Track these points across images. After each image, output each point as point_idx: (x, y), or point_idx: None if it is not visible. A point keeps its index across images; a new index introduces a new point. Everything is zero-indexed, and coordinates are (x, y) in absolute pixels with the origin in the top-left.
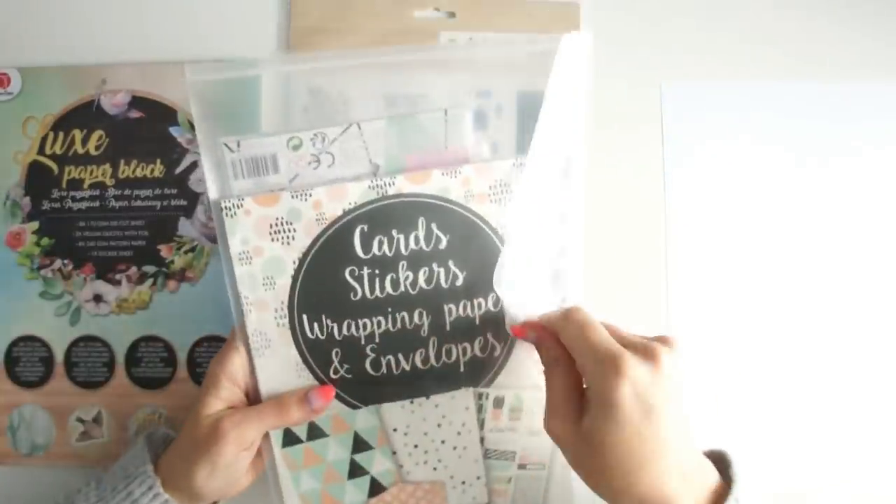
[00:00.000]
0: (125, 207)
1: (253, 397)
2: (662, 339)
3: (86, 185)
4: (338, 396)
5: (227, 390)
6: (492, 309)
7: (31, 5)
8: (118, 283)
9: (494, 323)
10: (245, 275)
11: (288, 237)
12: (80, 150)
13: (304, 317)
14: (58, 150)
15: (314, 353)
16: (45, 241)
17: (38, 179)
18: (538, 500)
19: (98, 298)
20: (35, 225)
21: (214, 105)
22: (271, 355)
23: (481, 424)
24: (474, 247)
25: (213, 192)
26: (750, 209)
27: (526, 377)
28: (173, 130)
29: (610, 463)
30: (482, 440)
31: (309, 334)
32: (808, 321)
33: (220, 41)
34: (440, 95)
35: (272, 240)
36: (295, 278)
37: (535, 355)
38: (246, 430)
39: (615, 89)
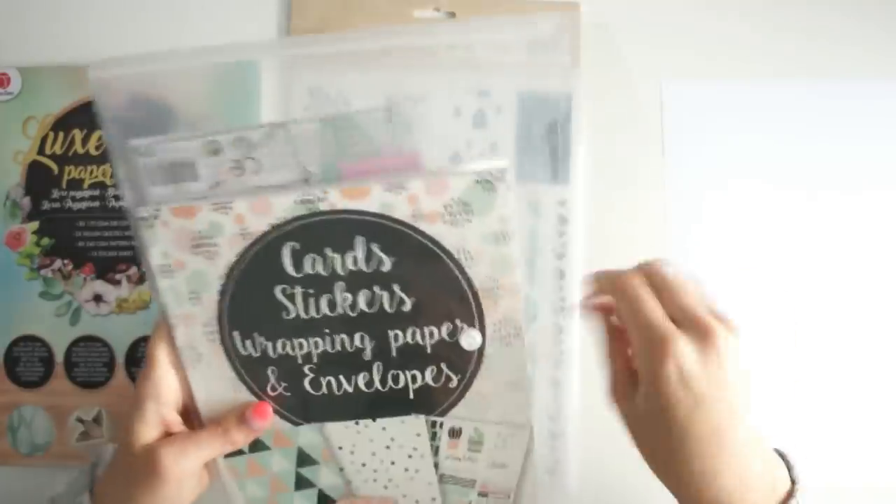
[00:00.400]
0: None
1: (192, 409)
2: (721, 319)
3: (86, 185)
4: (278, 413)
5: (155, 413)
6: (446, 339)
7: (31, 5)
8: (118, 283)
9: (450, 353)
10: (169, 288)
11: (210, 252)
12: (80, 150)
13: (236, 334)
14: (58, 150)
15: (249, 370)
16: (45, 241)
17: (38, 179)
18: None
19: (98, 298)
20: (35, 225)
21: (123, 103)
22: (205, 369)
23: (435, 451)
24: (424, 271)
25: (128, 200)
26: (750, 208)
27: (489, 412)
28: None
29: (660, 450)
30: (437, 465)
31: (242, 351)
32: (808, 319)
33: (220, 41)
34: (440, 95)
35: (194, 253)
36: (222, 294)
37: (501, 389)
38: (185, 462)
39: (615, 88)
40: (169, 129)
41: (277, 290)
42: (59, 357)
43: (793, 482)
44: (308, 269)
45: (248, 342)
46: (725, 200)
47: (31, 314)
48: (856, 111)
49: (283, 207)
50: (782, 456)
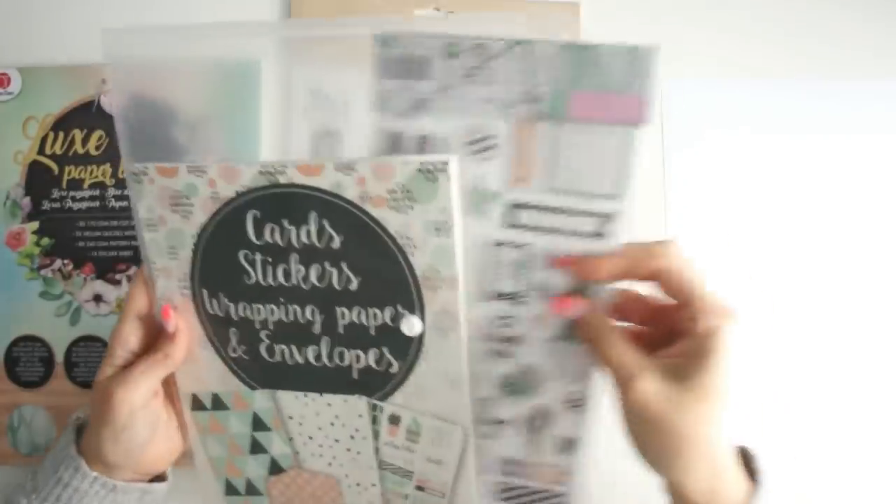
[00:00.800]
0: (125, 207)
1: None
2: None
3: (86, 185)
4: (236, 375)
5: (120, 358)
6: (388, 323)
7: (31, 6)
8: (118, 283)
9: (392, 338)
10: (152, 241)
11: (186, 211)
12: (81, 150)
13: (205, 291)
14: (58, 150)
15: (214, 328)
16: (46, 241)
17: (38, 179)
18: None
19: (98, 298)
20: (35, 225)
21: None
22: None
23: (376, 435)
24: (370, 253)
25: (125, 155)
26: (750, 207)
27: (427, 403)
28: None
29: (642, 445)
30: (377, 450)
31: (209, 309)
32: (809, 317)
33: (221, 44)
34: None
35: (173, 211)
36: (195, 252)
37: (440, 383)
38: (131, 386)
39: None
40: (171, 128)
41: (240, 255)
42: (60, 357)
43: (755, 479)
44: (268, 237)
45: (214, 301)
46: (725, 198)
47: (31, 314)
48: (856, 111)
49: (249, 176)
50: (747, 453)
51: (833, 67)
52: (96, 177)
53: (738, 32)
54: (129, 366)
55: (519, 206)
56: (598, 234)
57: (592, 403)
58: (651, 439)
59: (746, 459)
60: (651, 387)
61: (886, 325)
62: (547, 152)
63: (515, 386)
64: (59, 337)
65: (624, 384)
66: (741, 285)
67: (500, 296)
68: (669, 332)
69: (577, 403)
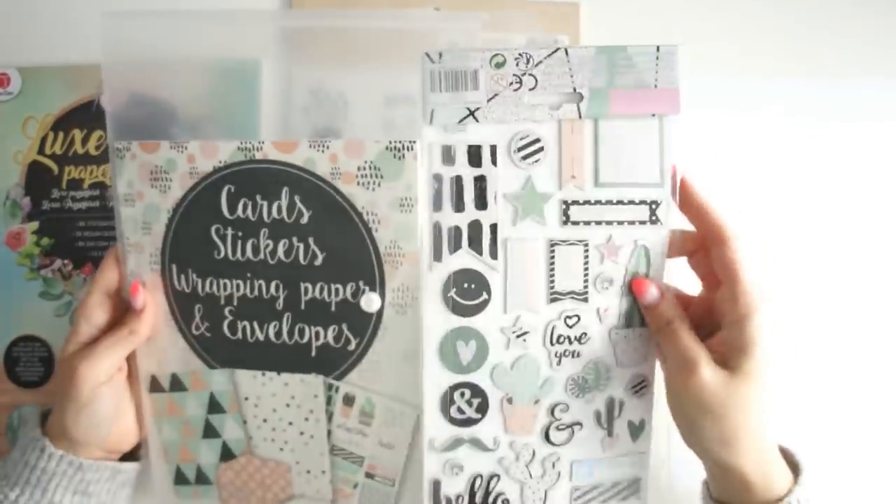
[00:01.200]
0: None
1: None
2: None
3: (86, 185)
4: (197, 354)
5: (85, 334)
6: (349, 299)
7: (31, 5)
8: None
9: (351, 314)
10: (129, 217)
11: (164, 186)
12: (80, 150)
13: (174, 267)
14: (58, 150)
15: (180, 305)
16: (45, 241)
17: (38, 179)
18: None
19: None
20: (35, 225)
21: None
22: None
23: (329, 417)
24: (336, 228)
25: (109, 135)
26: (750, 207)
27: (381, 383)
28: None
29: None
30: (329, 434)
31: (177, 285)
32: (809, 320)
33: (221, 41)
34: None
35: (151, 186)
36: (168, 227)
37: (396, 361)
38: (94, 361)
39: None
40: (170, 127)
41: (212, 230)
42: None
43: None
44: (240, 212)
45: (182, 276)
46: (725, 199)
47: (31, 314)
48: (857, 110)
49: (227, 152)
50: (784, 447)
51: (834, 67)
52: (96, 177)
53: (738, 32)
54: (93, 342)
55: (573, 203)
56: (653, 221)
57: (653, 386)
58: (709, 424)
59: (785, 454)
60: (709, 373)
61: (889, 325)
62: (593, 149)
63: (586, 384)
64: (59, 337)
65: (688, 370)
66: None
67: (564, 295)
68: (707, 318)
69: (641, 387)
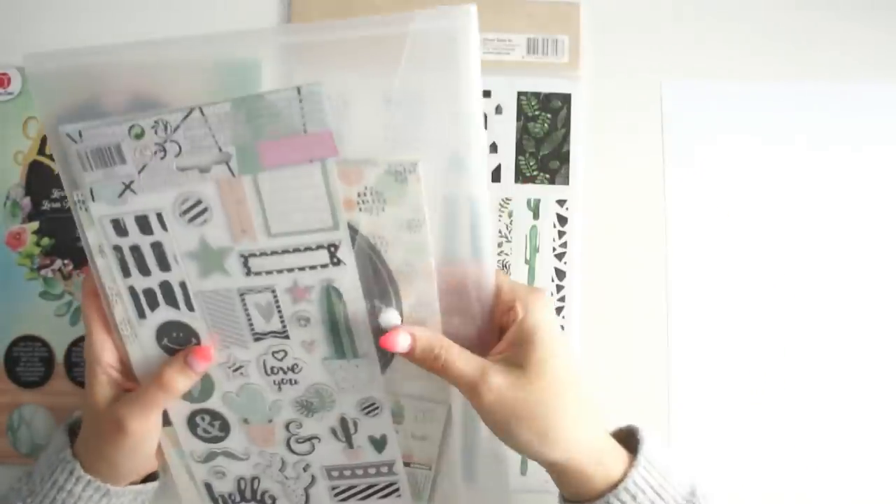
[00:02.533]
0: None
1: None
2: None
3: None
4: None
5: (104, 375)
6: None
7: (31, 3)
8: None
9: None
10: (104, 267)
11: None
12: None
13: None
14: None
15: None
16: (46, 241)
17: (38, 179)
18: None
19: None
20: (35, 225)
21: (56, 94)
22: (140, 346)
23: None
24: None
25: (66, 184)
26: (750, 209)
27: (407, 387)
28: None
29: (562, 397)
30: None
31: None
32: (808, 321)
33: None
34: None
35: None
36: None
37: (416, 368)
38: (144, 419)
39: (615, 88)
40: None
41: None
42: (60, 357)
43: (633, 454)
44: None
45: None
46: (725, 200)
47: (32, 314)
48: (856, 112)
49: None
50: (633, 430)
51: (834, 69)
52: None
53: (738, 32)
54: (125, 383)
55: (251, 255)
56: (335, 263)
57: (386, 405)
58: (520, 428)
59: (629, 434)
60: (498, 380)
61: (883, 329)
62: (258, 203)
63: (312, 405)
64: (59, 337)
65: (473, 391)
66: (740, 285)
67: (265, 334)
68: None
69: (372, 409)
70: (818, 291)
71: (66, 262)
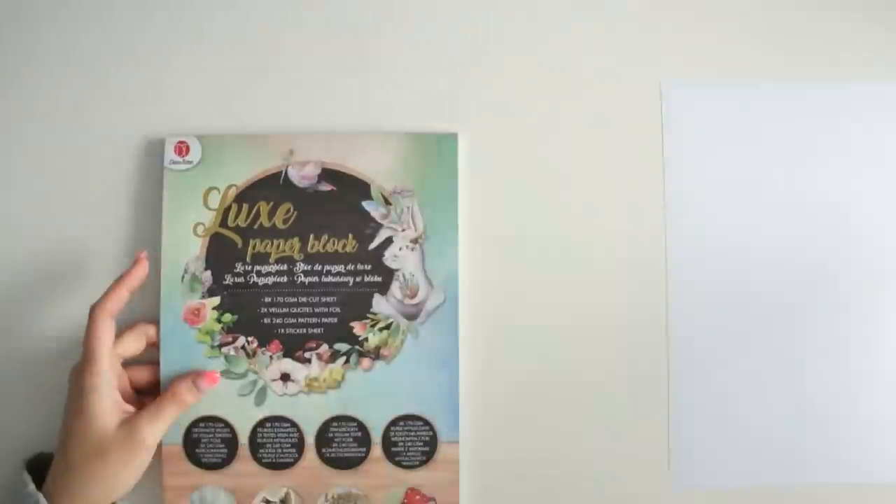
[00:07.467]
0: (315, 283)
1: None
2: None
3: (272, 259)
4: None
5: (110, 399)
6: None
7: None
8: (308, 361)
9: None
10: None
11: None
12: (267, 224)
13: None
14: (241, 222)
15: None
16: (227, 317)
17: (219, 253)
18: None
19: (286, 377)
20: (216, 300)
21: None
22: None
23: None
24: None
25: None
26: (750, 208)
27: None
28: (366, 205)
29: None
30: None
31: None
32: (808, 321)
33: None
34: None
35: None
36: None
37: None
38: (156, 431)
39: (615, 88)
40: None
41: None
42: (244, 438)
43: None
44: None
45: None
46: (725, 199)
47: (212, 394)
48: (856, 112)
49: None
50: None
51: (834, 69)
52: (283, 251)
53: (738, 32)
54: (127, 409)
55: None
56: None
57: None
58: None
59: None
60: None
61: (881, 328)
62: None
63: None
64: (243, 417)
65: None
66: (739, 285)
67: None
68: None
69: None
70: (818, 291)
71: (249, 339)
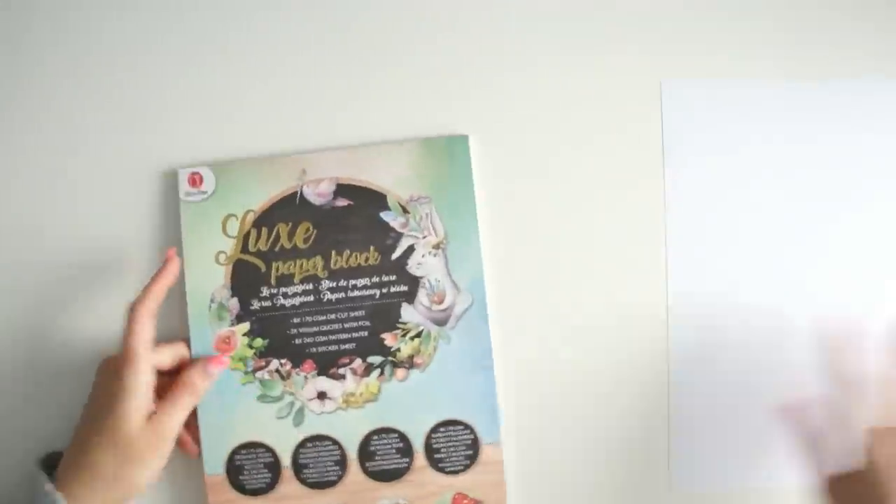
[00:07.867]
0: (342, 299)
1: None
2: None
3: (297, 280)
4: None
5: (145, 398)
6: None
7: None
8: (342, 377)
9: None
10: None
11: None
12: (287, 245)
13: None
14: (262, 246)
15: None
16: (258, 342)
17: (244, 279)
18: None
19: (322, 395)
20: (245, 326)
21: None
22: None
23: None
24: None
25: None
26: (750, 208)
27: None
28: (384, 215)
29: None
30: None
31: None
32: (806, 320)
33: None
34: None
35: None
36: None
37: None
38: (175, 422)
39: (615, 88)
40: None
41: None
42: (286, 461)
43: None
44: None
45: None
46: (725, 199)
47: (251, 419)
48: (856, 111)
49: None
50: None
51: (834, 67)
52: (307, 270)
53: (738, 32)
54: (162, 393)
55: None
56: None
57: None
58: None
59: None
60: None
61: (879, 321)
62: None
63: None
64: (283, 440)
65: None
66: (740, 286)
67: None
68: None
69: None
70: (818, 291)
71: (282, 361)
